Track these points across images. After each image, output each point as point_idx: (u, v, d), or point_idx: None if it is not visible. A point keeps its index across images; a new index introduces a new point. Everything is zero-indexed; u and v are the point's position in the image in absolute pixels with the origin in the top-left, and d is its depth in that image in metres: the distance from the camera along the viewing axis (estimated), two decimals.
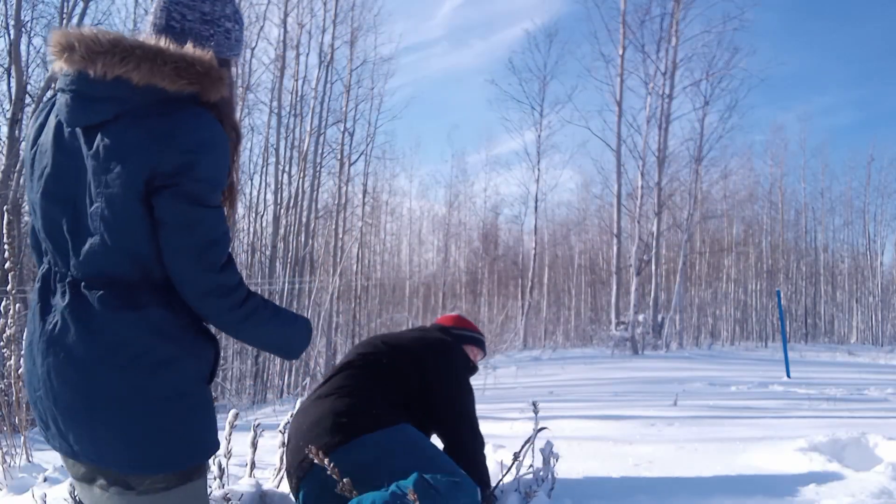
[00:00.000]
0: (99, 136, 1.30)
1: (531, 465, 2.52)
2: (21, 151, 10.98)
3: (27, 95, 11.76)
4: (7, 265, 3.44)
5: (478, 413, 2.48)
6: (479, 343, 2.75)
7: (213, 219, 1.34)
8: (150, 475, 1.33)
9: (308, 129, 18.62)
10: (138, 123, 1.29)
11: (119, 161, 1.28)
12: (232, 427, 2.40)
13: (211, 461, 2.39)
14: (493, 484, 2.39)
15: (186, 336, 1.38)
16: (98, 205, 1.30)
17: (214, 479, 2.26)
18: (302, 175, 18.69)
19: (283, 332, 1.51)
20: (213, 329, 1.49)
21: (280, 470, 2.50)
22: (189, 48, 1.36)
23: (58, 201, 1.35)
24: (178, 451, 1.35)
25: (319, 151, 19.31)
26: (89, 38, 1.30)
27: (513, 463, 2.43)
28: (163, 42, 1.35)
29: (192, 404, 1.38)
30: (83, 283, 1.33)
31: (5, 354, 3.35)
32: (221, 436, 2.38)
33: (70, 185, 1.34)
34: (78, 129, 1.33)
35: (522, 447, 2.47)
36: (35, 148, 1.40)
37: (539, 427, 2.60)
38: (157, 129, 1.29)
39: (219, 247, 1.35)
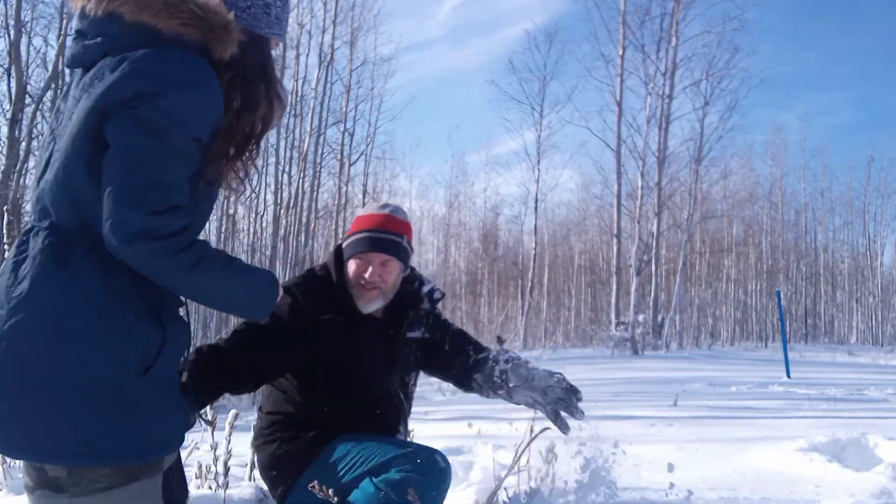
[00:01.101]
0: (84, 75, 1.23)
1: (528, 463, 2.52)
2: (21, 151, 10.97)
3: (27, 95, 11.75)
4: None
5: (477, 413, 2.47)
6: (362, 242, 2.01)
7: (164, 157, 1.16)
8: (86, 466, 1.15)
9: (308, 129, 18.61)
10: (117, 56, 1.19)
11: (86, 93, 1.19)
12: (232, 427, 2.40)
13: (213, 462, 2.39)
14: (497, 482, 2.38)
15: (128, 309, 1.18)
16: (59, 141, 1.22)
17: (214, 479, 2.26)
18: (302, 175, 18.68)
19: (241, 285, 1.28)
20: (182, 310, 1.33)
21: None
22: None
23: (45, 145, 1.27)
24: (114, 442, 1.15)
25: (319, 152, 19.31)
26: None
27: (513, 463, 2.43)
28: None
29: (132, 394, 1.17)
30: (33, 229, 1.21)
31: None
32: (220, 436, 2.39)
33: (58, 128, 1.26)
34: (77, 71, 1.26)
35: (524, 448, 2.47)
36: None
37: (542, 428, 2.59)
38: (129, 59, 1.17)
39: (162, 191, 1.15)
